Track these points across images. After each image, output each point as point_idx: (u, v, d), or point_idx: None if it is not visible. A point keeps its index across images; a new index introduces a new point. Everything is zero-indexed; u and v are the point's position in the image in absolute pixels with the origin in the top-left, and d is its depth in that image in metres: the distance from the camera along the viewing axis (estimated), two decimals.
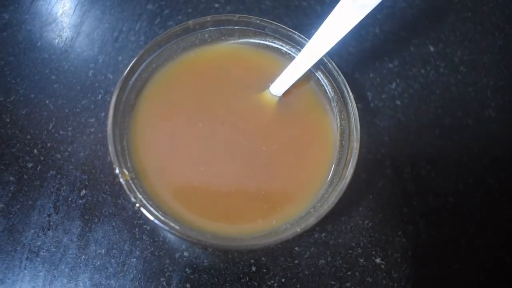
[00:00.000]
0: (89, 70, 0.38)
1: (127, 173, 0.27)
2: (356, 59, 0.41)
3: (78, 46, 0.39)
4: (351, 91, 0.30)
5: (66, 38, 0.39)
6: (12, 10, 0.40)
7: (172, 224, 0.26)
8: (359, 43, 0.41)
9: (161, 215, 0.26)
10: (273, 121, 0.30)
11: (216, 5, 0.42)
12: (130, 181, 0.27)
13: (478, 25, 0.44)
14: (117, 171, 0.26)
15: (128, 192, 0.26)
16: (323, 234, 0.34)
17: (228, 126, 0.30)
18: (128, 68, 0.29)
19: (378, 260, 0.34)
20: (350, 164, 0.28)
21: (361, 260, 0.34)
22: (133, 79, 0.30)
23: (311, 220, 0.26)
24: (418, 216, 0.35)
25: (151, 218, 0.26)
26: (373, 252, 0.34)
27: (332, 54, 0.40)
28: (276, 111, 0.31)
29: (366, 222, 0.35)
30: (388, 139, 0.38)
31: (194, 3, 0.42)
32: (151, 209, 0.26)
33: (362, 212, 0.35)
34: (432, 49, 0.42)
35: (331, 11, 0.43)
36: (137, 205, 0.26)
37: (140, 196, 0.26)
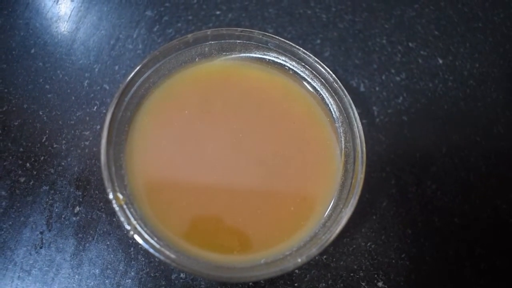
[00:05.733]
0: (84, 79, 0.37)
1: (121, 197, 0.26)
2: (362, 71, 0.39)
3: (73, 54, 0.38)
4: (357, 107, 0.29)
5: (61, 46, 0.38)
6: (6, 14, 0.39)
7: (167, 253, 0.25)
8: (365, 54, 0.40)
9: (156, 242, 0.25)
10: (274, 144, 0.29)
11: (218, 13, 0.41)
12: (124, 206, 0.25)
13: (489, 37, 0.42)
14: (110, 196, 0.25)
15: (122, 218, 0.25)
16: (324, 257, 0.33)
17: (228, 146, 0.29)
18: (124, 84, 0.28)
19: (380, 284, 0.33)
20: (355, 191, 0.26)
21: (363, 284, 0.32)
22: (129, 95, 0.29)
23: (313, 251, 0.25)
24: (423, 238, 0.34)
25: (146, 246, 0.25)
26: (376, 276, 0.33)
27: (337, 66, 0.39)
28: (278, 132, 0.29)
29: (368, 244, 0.33)
30: (394, 156, 0.36)
31: (195, 10, 0.40)
32: (146, 236, 0.25)
33: (365, 234, 0.34)
34: (440, 61, 0.41)
35: (337, 19, 0.42)
36: (131, 232, 0.25)
37: (134, 222, 0.25)
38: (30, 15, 0.39)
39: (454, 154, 0.37)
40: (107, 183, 0.25)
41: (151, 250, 0.24)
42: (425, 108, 0.38)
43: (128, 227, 0.25)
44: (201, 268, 0.24)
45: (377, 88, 0.39)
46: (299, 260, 0.25)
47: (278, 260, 0.25)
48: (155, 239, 0.25)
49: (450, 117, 0.38)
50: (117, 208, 0.25)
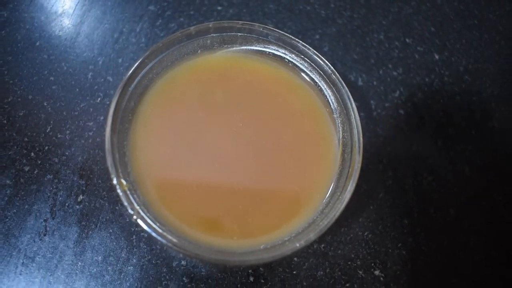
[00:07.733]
0: (88, 72, 0.37)
1: (124, 183, 0.26)
2: (360, 66, 0.40)
3: (77, 47, 0.38)
4: (355, 100, 0.30)
5: (66, 39, 0.39)
6: (11, 8, 0.40)
7: (169, 237, 0.25)
8: (363, 49, 0.41)
9: (158, 227, 0.26)
10: (274, 134, 0.30)
11: (219, 8, 0.41)
12: (128, 192, 0.26)
13: (484, 33, 0.43)
14: (114, 181, 0.26)
15: (125, 203, 0.26)
16: (322, 245, 0.34)
17: (229, 136, 0.29)
18: (128, 74, 0.29)
19: (377, 272, 0.33)
20: (352, 178, 0.27)
21: (360, 272, 0.33)
22: (132, 85, 0.29)
23: (311, 236, 0.26)
24: (419, 228, 0.35)
25: (149, 230, 0.25)
26: (373, 264, 0.33)
27: (336, 60, 0.40)
28: (278, 123, 0.30)
29: (366, 233, 0.34)
30: (390, 149, 0.37)
31: (197, 5, 0.41)
32: (149, 221, 0.26)
33: (362, 223, 0.34)
34: (437, 57, 0.41)
35: (336, 15, 0.42)
36: (134, 217, 0.25)
37: (137, 208, 0.26)
38: (35, 8, 0.40)
39: (450, 147, 0.38)
40: (111, 169, 0.26)
41: (154, 234, 0.25)
42: (421, 103, 0.39)
43: (131, 212, 0.25)
44: (202, 252, 0.25)
45: (374, 83, 0.40)
46: (297, 245, 0.25)
47: (277, 246, 0.26)
48: (158, 224, 0.26)
49: (446, 111, 0.39)
50: (121, 193, 0.26)
